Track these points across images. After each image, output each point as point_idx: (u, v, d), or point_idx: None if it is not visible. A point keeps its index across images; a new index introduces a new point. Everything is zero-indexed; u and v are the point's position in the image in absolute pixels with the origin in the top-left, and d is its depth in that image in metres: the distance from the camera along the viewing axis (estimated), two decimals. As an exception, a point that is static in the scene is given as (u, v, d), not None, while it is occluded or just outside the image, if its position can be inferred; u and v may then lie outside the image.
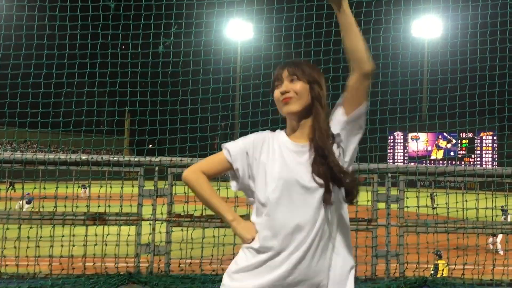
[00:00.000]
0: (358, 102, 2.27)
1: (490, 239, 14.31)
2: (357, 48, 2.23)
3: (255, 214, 2.31)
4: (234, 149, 2.35)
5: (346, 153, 2.29)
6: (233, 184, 2.38)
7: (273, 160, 2.27)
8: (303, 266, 2.14)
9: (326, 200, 2.16)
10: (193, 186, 2.37)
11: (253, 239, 2.23)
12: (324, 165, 2.18)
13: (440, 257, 9.96)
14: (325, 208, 2.18)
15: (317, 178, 2.17)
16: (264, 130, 2.48)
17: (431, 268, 9.32)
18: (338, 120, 2.27)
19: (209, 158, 2.45)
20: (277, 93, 2.34)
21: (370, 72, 2.25)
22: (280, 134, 2.39)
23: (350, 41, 2.24)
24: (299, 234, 2.14)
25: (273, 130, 2.47)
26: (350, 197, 2.22)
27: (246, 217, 2.38)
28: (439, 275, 8.74)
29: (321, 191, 2.16)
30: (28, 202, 14.22)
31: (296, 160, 2.24)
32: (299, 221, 2.15)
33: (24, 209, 8.56)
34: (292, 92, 2.28)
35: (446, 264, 8.51)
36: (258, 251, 2.19)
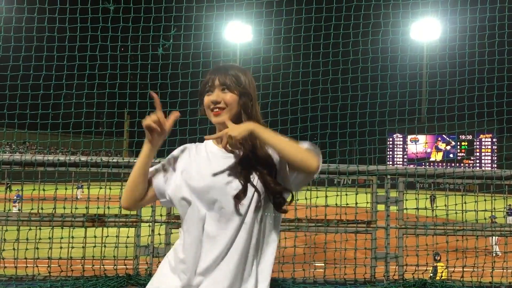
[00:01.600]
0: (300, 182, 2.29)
1: (494, 239, 14.31)
2: (292, 160, 2.16)
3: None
4: (157, 178, 2.46)
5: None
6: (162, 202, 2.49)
7: (198, 164, 2.34)
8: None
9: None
10: (125, 194, 2.44)
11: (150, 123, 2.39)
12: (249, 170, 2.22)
13: (437, 260, 9.99)
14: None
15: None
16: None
17: (430, 271, 9.34)
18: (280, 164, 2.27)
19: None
20: (207, 100, 2.35)
21: (313, 172, 2.18)
22: (207, 143, 2.46)
23: (283, 157, 2.19)
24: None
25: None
26: (277, 206, 2.24)
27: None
28: (437, 278, 8.75)
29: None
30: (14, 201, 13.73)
31: (224, 166, 2.27)
32: None
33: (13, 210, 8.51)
34: (222, 102, 2.30)
35: (445, 267, 8.52)
36: None
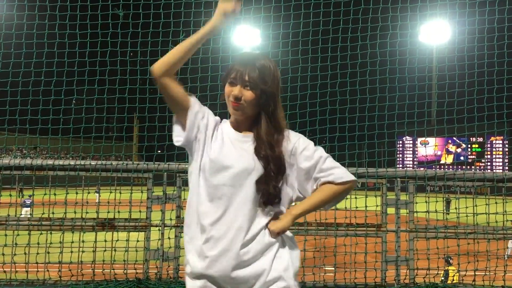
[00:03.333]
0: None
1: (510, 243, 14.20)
2: (336, 202, 2.39)
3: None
4: (200, 105, 2.43)
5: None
6: (178, 138, 2.41)
7: (215, 144, 2.35)
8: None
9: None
10: (169, 57, 2.43)
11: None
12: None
13: (450, 263, 9.88)
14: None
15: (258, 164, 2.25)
16: None
17: (441, 275, 9.25)
18: (300, 173, 2.33)
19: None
20: (229, 90, 2.34)
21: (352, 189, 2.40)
22: (225, 124, 2.47)
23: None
24: None
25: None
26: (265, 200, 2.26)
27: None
28: (449, 282, 8.67)
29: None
30: (26, 206, 13.58)
31: (238, 149, 2.31)
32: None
33: (23, 214, 8.54)
34: (242, 99, 2.30)
35: (456, 271, 8.43)
36: None
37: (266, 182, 2.22)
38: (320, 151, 2.34)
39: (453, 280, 9.01)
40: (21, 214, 6.70)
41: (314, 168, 2.30)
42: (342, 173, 2.31)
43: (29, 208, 8.00)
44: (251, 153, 2.28)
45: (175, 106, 2.40)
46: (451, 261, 10.29)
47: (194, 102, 2.41)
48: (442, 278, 9.24)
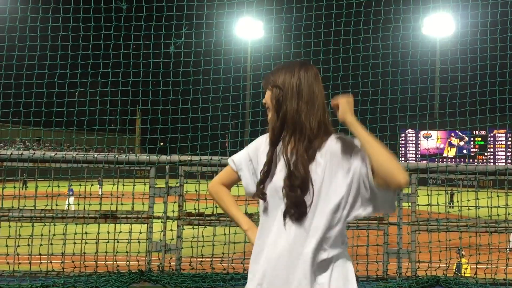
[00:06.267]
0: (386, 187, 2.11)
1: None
2: (379, 164, 2.05)
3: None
4: (237, 159, 2.47)
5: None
6: (246, 193, 2.48)
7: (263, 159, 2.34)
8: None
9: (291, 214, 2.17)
10: (215, 198, 2.59)
11: None
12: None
13: (462, 255, 9.81)
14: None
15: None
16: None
17: (454, 267, 9.18)
18: (361, 171, 2.14)
19: (223, 170, 2.59)
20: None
21: (397, 188, 2.08)
22: (266, 139, 2.39)
23: (369, 155, 2.09)
24: None
25: None
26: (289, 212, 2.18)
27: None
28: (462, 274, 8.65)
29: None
30: (71, 196, 13.43)
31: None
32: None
33: (72, 204, 8.49)
34: (267, 104, 2.32)
35: (467, 263, 8.42)
36: None
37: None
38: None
39: (465, 273, 8.94)
40: (68, 204, 6.78)
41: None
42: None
43: (73, 198, 8.05)
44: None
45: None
46: (463, 253, 10.20)
47: (238, 170, 2.47)
48: (455, 270, 9.20)
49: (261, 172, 2.29)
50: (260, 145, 2.40)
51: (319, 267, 2.14)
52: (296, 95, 2.22)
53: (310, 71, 2.30)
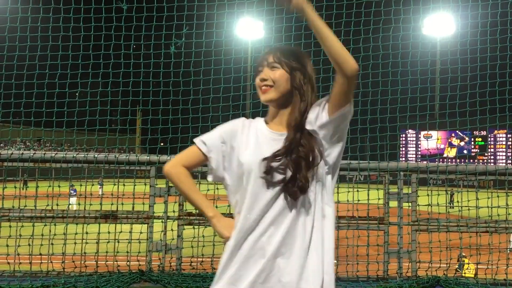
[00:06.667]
0: (342, 103, 2.16)
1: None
2: (332, 51, 2.11)
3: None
4: (208, 140, 2.32)
5: (326, 158, 2.22)
6: (208, 177, 2.35)
7: (247, 147, 2.25)
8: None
9: (291, 193, 2.13)
10: (173, 181, 2.36)
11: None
12: (293, 155, 2.14)
13: (464, 256, 9.77)
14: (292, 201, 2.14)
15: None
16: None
17: (456, 266, 9.15)
18: (320, 118, 2.19)
19: (186, 151, 2.40)
20: (257, 79, 2.29)
21: (351, 74, 2.10)
22: (259, 122, 2.37)
23: (324, 46, 2.14)
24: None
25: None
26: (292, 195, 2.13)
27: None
28: (465, 274, 8.65)
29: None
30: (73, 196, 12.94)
31: (272, 148, 2.19)
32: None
33: (73, 204, 8.44)
34: (270, 80, 2.24)
35: (467, 263, 8.42)
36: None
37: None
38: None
39: (465, 272, 8.91)
40: (70, 204, 6.77)
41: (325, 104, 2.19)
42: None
43: (75, 198, 8.01)
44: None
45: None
46: (463, 254, 10.17)
47: (208, 151, 2.32)
48: (457, 268, 9.16)
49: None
50: (237, 128, 2.33)
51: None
52: (309, 82, 2.28)
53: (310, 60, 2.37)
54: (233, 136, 2.30)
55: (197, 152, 2.32)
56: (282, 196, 2.14)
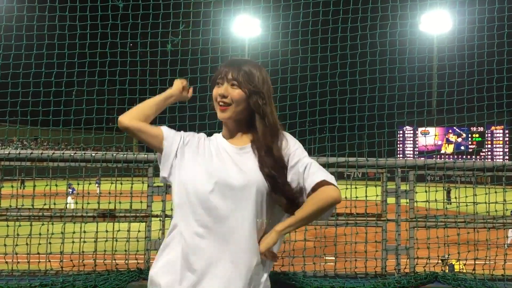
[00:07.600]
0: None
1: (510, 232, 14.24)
2: (320, 214, 2.19)
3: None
4: (171, 132, 2.41)
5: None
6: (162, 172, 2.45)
7: (210, 159, 2.27)
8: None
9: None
10: (134, 128, 2.43)
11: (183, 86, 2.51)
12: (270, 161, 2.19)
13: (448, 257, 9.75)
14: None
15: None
16: None
17: (446, 269, 9.15)
18: (297, 176, 2.23)
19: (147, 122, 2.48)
20: (215, 92, 2.30)
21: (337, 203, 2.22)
22: (217, 137, 2.40)
23: (316, 218, 2.24)
24: None
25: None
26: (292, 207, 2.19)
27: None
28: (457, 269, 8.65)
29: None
30: (71, 194, 13.11)
31: (233, 162, 2.23)
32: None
33: (71, 203, 8.43)
34: (229, 98, 2.24)
35: (456, 260, 8.41)
36: None
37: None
38: (308, 158, 2.29)
39: (459, 270, 8.89)
40: (67, 203, 6.75)
41: (303, 174, 2.22)
42: (326, 176, 2.21)
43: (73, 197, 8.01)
44: (253, 167, 2.21)
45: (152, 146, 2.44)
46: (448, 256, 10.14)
47: (166, 137, 2.40)
48: (449, 269, 9.16)
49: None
50: (198, 140, 2.39)
51: None
52: (268, 98, 2.30)
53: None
54: (189, 142, 2.38)
55: (158, 130, 2.41)
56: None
